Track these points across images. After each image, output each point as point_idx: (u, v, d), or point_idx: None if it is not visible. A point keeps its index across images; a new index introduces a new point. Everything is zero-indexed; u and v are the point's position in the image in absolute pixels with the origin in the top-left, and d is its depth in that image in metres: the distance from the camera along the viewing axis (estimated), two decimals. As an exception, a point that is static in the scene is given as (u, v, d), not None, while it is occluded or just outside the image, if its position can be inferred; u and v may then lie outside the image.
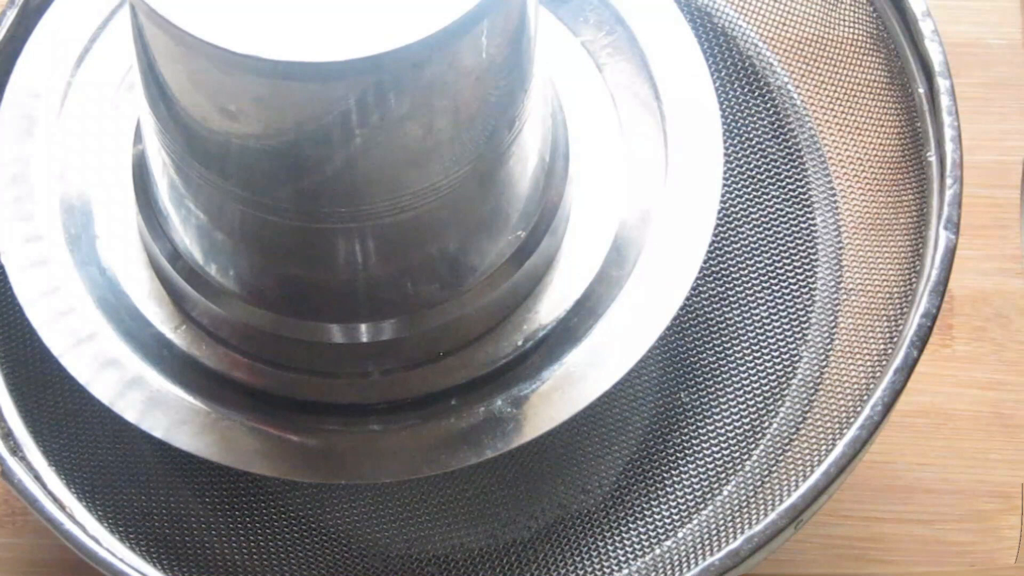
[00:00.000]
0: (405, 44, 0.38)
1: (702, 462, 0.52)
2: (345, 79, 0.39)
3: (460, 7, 0.38)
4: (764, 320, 0.53)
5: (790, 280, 0.54)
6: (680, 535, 0.51)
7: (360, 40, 0.38)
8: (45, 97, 0.51)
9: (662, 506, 0.52)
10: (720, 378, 0.53)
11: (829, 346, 0.52)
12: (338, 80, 0.39)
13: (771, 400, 0.52)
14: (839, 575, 0.56)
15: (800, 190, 0.54)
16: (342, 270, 0.46)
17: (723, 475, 0.52)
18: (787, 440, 0.51)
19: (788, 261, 0.54)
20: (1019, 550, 0.56)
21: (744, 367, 0.53)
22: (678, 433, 0.53)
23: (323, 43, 0.38)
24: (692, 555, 0.49)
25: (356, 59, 0.38)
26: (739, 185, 0.54)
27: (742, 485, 0.51)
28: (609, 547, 0.51)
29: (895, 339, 0.49)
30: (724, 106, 0.54)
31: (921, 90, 0.51)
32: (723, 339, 0.53)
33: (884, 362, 0.49)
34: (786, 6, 0.55)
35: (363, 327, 0.47)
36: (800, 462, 0.49)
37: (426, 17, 0.38)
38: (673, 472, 0.52)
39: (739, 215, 0.54)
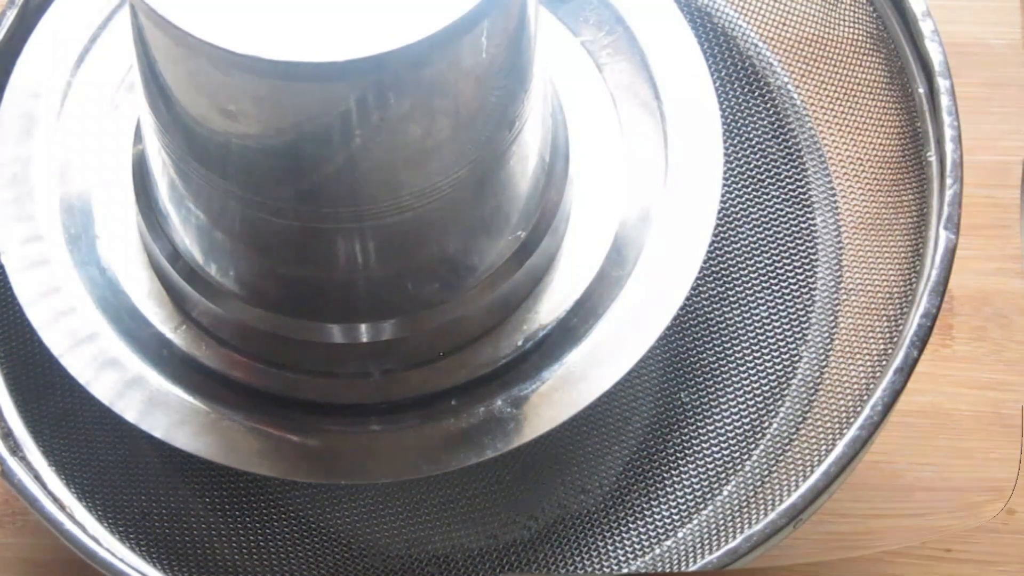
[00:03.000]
0: (406, 44, 0.38)
1: (702, 462, 0.52)
2: (345, 79, 0.39)
3: (460, 7, 0.38)
4: (764, 320, 0.53)
5: (790, 280, 0.54)
6: (680, 535, 0.51)
7: (361, 40, 0.38)
8: (45, 97, 0.51)
9: (662, 506, 0.52)
10: (720, 378, 0.53)
11: (829, 346, 0.52)
12: (338, 80, 0.39)
13: (771, 400, 0.52)
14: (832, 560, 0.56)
15: (800, 190, 0.54)
16: (342, 270, 0.46)
17: (723, 475, 0.52)
18: (787, 440, 0.51)
19: (788, 261, 0.54)
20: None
21: (744, 367, 0.53)
22: (678, 433, 0.53)
23: (323, 43, 0.38)
24: (691, 554, 0.49)
25: (357, 59, 0.38)
26: (739, 185, 0.54)
27: (742, 485, 0.51)
28: (609, 547, 0.51)
29: (895, 339, 0.49)
30: (724, 106, 0.54)
31: (921, 90, 0.51)
32: (723, 339, 0.53)
33: (884, 362, 0.49)
34: (786, 6, 0.55)
35: (363, 327, 0.47)
36: (800, 462, 0.49)
37: (426, 17, 0.38)
38: (673, 472, 0.52)
39: (739, 215, 0.54)
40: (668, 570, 0.49)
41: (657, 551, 0.50)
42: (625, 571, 0.50)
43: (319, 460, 0.47)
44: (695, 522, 0.51)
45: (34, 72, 0.51)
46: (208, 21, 0.38)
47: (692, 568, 0.46)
